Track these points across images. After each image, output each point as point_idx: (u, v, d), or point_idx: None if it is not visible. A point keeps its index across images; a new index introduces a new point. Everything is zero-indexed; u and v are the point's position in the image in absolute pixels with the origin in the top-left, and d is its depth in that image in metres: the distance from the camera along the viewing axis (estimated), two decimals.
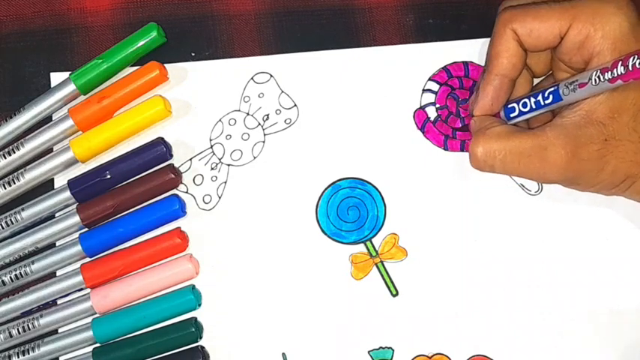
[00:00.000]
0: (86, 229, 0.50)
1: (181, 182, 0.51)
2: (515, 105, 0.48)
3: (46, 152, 0.51)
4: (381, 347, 0.50)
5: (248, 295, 0.50)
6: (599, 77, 0.43)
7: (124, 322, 0.48)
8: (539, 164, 0.45)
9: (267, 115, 0.52)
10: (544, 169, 0.46)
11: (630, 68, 0.41)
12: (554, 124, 0.46)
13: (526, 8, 0.46)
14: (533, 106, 0.47)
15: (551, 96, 0.46)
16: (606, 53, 0.44)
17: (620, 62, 0.41)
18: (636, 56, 0.40)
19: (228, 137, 0.52)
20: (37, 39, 0.52)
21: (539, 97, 0.47)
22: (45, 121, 0.51)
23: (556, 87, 0.46)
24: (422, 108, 0.52)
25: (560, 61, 0.47)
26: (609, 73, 0.42)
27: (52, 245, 0.50)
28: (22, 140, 0.51)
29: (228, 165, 0.51)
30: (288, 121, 0.52)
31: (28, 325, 0.49)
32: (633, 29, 0.44)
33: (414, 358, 0.50)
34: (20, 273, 0.49)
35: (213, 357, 0.49)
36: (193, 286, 0.49)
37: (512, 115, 0.48)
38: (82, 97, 0.51)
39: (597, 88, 0.43)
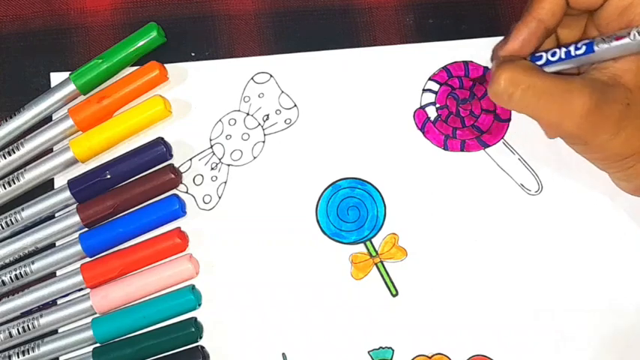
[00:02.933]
0: (86, 229, 0.50)
1: (181, 182, 0.51)
2: (542, 53, 0.47)
3: (46, 152, 0.51)
4: (381, 347, 0.50)
5: (248, 295, 0.50)
6: (638, 32, 0.42)
7: (124, 322, 0.48)
8: (560, 107, 0.44)
9: (267, 115, 0.52)
10: (564, 112, 0.44)
11: None
12: (583, 76, 0.45)
13: None
14: (563, 56, 0.46)
15: (584, 47, 0.45)
16: None
17: None
18: None
19: (228, 137, 0.52)
20: (37, 39, 0.52)
21: (571, 48, 0.45)
22: (45, 121, 0.51)
23: (591, 40, 0.45)
24: (422, 108, 0.52)
25: (596, 27, 0.47)
26: None
27: (52, 245, 0.50)
28: (22, 140, 0.51)
29: (228, 165, 0.51)
30: (288, 121, 0.52)
31: (28, 325, 0.49)
32: None
33: (414, 358, 0.50)
34: (20, 273, 0.49)
35: (213, 357, 0.49)
36: (193, 286, 0.49)
37: (537, 63, 0.47)
38: (82, 97, 0.51)
39: (634, 44, 0.43)
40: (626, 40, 0.43)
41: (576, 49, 0.45)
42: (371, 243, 0.51)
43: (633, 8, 0.44)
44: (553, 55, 0.46)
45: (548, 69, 0.46)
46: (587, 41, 0.45)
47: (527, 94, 0.44)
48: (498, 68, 0.45)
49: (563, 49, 0.46)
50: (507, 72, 0.44)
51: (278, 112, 0.52)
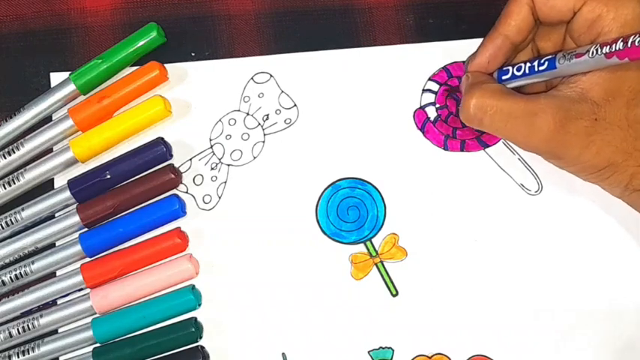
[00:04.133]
0: (86, 229, 0.50)
1: (181, 182, 0.51)
2: (509, 68, 0.48)
3: (46, 152, 0.51)
4: (381, 347, 0.50)
5: (248, 295, 0.50)
6: (597, 50, 0.43)
7: (124, 322, 0.48)
8: (526, 129, 0.45)
9: (267, 115, 0.52)
10: (530, 134, 0.46)
11: (629, 45, 0.40)
12: (549, 94, 0.46)
13: None
14: (527, 71, 0.47)
15: (546, 63, 0.46)
16: (614, 35, 0.44)
17: (621, 38, 0.41)
18: (638, 35, 0.40)
19: (228, 137, 0.52)
20: (37, 39, 0.52)
21: (535, 63, 0.46)
22: (45, 121, 0.51)
23: (553, 56, 0.46)
24: (422, 108, 0.52)
25: (571, 39, 0.47)
26: (608, 47, 0.42)
27: (52, 245, 0.50)
28: (22, 140, 0.51)
29: (228, 165, 0.51)
30: (288, 121, 0.52)
31: (28, 325, 0.49)
32: None
33: (414, 358, 0.50)
34: (20, 273, 0.49)
35: (213, 357, 0.49)
36: (193, 286, 0.49)
37: (504, 78, 0.48)
38: (82, 97, 0.51)
39: (593, 61, 0.43)
40: (585, 58, 0.44)
41: (540, 64, 0.46)
42: (371, 243, 0.51)
43: (601, 21, 0.45)
44: (518, 69, 0.48)
45: (515, 83, 0.48)
46: (549, 57, 0.46)
47: (494, 118, 0.46)
48: (467, 93, 0.47)
49: (528, 64, 0.47)
50: (475, 98, 0.46)
51: (278, 111, 0.52)
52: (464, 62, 0.52)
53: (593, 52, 0.43)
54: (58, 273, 0.50)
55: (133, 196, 0.49)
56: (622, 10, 0.44)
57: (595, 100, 0.45)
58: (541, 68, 0.46)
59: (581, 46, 0.46)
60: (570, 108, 0.45)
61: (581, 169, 0.47)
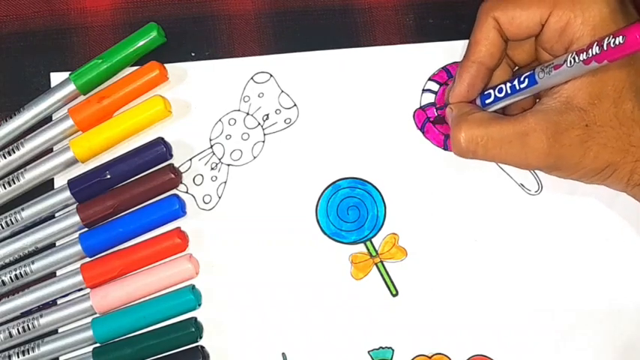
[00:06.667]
0: (86, 229, 0.50)
1: (181, 182, 0.51)
2: (491, 91, 0.48)
3: (46, 152, 0.51)
4: (381, 347, 0.50)
5: (248, 295, 0.50)
6: (574, 58, 0.43)
7: (124, 322, 0.48)
8: (521, 150, 0.45)
9: (267, 115, 0.52)
10: (526, 154, 0.46)
11: (605, 48, 0.40)
12: (535, 110, 0.46)
13: None
14: (509, 91, 0.47)
15: (526, 80, 0.46)
16: (586, 39, 0.44)
17: (596, 42, 0.41)
18: (611, 36, 0.40)
19: (228, 137, 0.52)
20: (37, 39, 0.52)
21: (515, 82, 0.47)
22: (45, 121, 0.51)
23: (532, 71, 0.46)
24: (422, 108, 0.52)
25: (543, 50, 0.47)
26: (584, 54, 0.42)
27: (52, 245, 0.50)
28: (22, 140, 0.51)
29: (228, 165, 0.51)
30: (288, 121, 0.52)
31: (28, 325, 0.49)
32: (613, 15, 0.44)
33: (414, 358, 0.50)
34: (20, 273, 0.49)
35: (213, 357, 0.49)
36: (193, 286, 0.49)
37: (487, 102, 0.48)
38: (82, 97, 0.51)
39: (572, 69, 0.43)
40: (564, 68, 0.44)
41: (520, 82, 0.46)
42: (371, 243, 0.51)
43: (570, 27, 0.45)
44: (500, 91, 0.48)
45: (499, 105, 0.48)
46: (528, 74, 0.46)
47: (487, 146, 0.46)
48: (454, 128, 0.47)
49: (509, 84, 0.47)
50: (463, 131, 0.46)
51: (278, 111, 0.52)
52: None
53: (571, 61, 0.43)
54: (58, 273, 0.50)
55: (133, 196, 0.49)
56: (589, 12, 0.44)
57: (581, 106, 0.45)
58: (522, 86, 0.46)
59: (555, 55, 0.46)
60: (559, 120, 0.45)
61: (582, 175, 0.47)
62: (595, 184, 0.48)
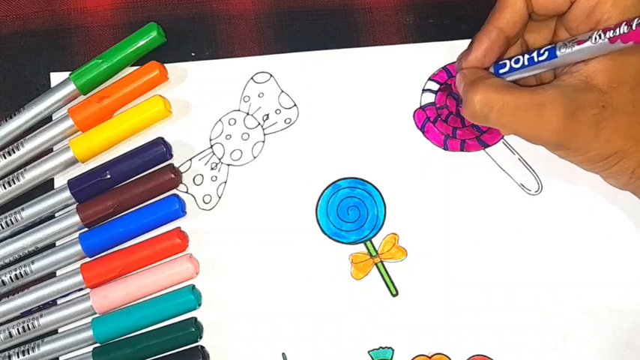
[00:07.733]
0: (86, 229, 0.50)
1: (181, 182, 0.51)
2: (507, 61, 0.47)
3: (46, 152, 0.51)
4: (381, 347, 0.50)
5: (248, 295, 0.50)
6: (599, 35, 0.42)
7: (124, 322, 0.48)
8: (535, 121, 0.45)
9: (267, 115, 0.52)
10: (539, 126, 0.45)
11: (634, 28, 0.40)
12: (554, 84, 0.45)
13: None
14: (526, 63, 0.46)
15: (546, 53, 0.45)
16: (613, 22, 0.43)
17: (625, 22, 0.41)
18: None
19: (228, 137, 0.52)
20: (37, 39, 0.52)
21: (534, 54, 0.46)
22: (45, 121, 0.51)
23: (553, 45, 0.45)
24: (422, 108, 0.52)
25: (566, 29, 0.47)
26: (611, 32, 0.42)
27: (52, 245, 0.50)
28: (22, 140, 0.51)
29: (228, 165, 0.51)
30: (288, 121, 0.52)
31: (28, 325, 0.49)
32: None
33: (414, 358, 0.50)
34: (20, 273, 0.49)
35: (213, 357, 0.49)
36: (193, 286, 0.49)
37: (501, 71, 0.47)
38: (82, 97, 0.51)
39: (596, 47, 0.43)
40: (587, 44, 0.43)
41: (539, 55, 0.46)
42: (371, 243, 0.51)
43: (600, 7, 0.44)
44: (516, 62, 0.47)
45: (513, 76, 0.47)
46: (549, 47, 0.45)
47: (502, 112, 0.45)
48: (469, 90, 0.45)
49: (527, 56, 0.46)
50: (480, 94, 0.45)
51: (278, 111, 0.52)
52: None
53: (596, 38, 0.42)
54: (58, 273, 0.50)
55: (133, 196, 0.49)
56: None
57: (600, 87, 0.44)
58: (541, 58, 0.45)
59: (574, 37, 0.45)
60: (577, 97, 0.44)
61: (588, 159, 0.46)
62: (597, 172, 0.47)
